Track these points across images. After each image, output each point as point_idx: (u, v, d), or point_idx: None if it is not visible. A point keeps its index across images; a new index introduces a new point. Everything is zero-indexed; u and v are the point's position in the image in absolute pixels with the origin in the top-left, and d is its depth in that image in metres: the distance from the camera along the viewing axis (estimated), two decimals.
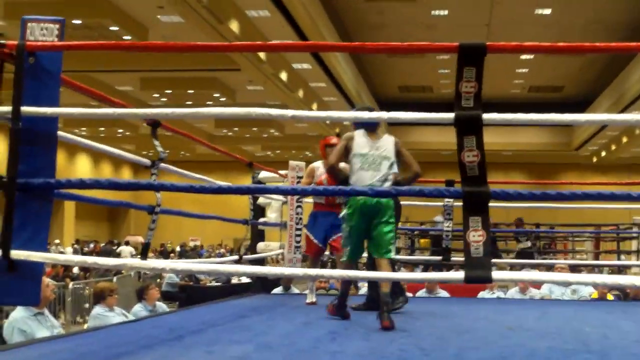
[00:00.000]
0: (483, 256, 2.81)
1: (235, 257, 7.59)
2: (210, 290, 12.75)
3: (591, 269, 11.72)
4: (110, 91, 22.50)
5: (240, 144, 33.35)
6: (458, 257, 7.57)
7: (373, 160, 4.82)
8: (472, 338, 4.28)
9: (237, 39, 16.52)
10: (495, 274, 2.86)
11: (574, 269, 10.40)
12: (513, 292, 8.74)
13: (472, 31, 19.40)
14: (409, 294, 6.60)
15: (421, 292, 8.46)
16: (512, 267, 10.97)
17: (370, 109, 5.05)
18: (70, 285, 12.55)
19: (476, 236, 2.82)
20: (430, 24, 19.63)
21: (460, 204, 2.92)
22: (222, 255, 24.91)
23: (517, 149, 31.62)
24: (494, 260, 4.24)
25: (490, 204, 2.90)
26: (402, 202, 6.12)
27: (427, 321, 5.27)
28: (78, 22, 16.37)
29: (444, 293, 8.44)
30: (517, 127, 28.84)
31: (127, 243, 27.01)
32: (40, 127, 3.16)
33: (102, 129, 29.97)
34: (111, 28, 17.22)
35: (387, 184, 4.80)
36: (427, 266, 11.65)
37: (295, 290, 8.43)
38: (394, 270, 5.17)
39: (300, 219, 7.20)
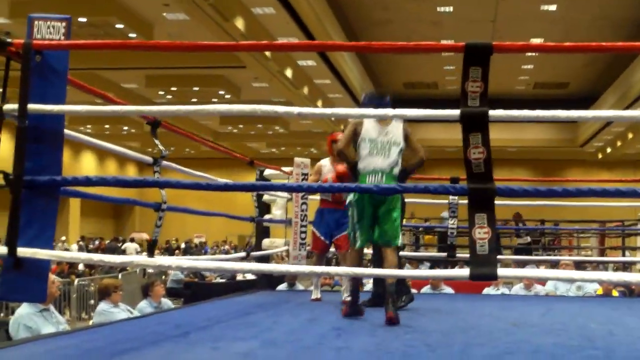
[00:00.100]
0: (488, 253, 2.81)
1: (241, 254, 7.62)
2: (215, 287, 12.79)
3: (596, 265, 11.73)
4: (116, 88, 22.55)
5: (245, 140, 33.35)
6: (464, 254, 7.57)
7: (382, 146, 4.78)
8: (477, 334, 4.28)
9: (242, 37, 16.52)
10: (501, 272, 2.86)
11: (579, 265, 10.40)
12: (518, 289, 8.74)
13: (478, 27, 19.36)
14: (414, 290, 6.61)
15: (426, 289, 8.47)
16: (516, 263, 10.99)
17: (384, 95, 5.01)
18: (76, 281, 12.58)
19: (482, 233, 2.82)
20: (435, 20, 19.58)
21: (466, 200, 2.93)
22: (227, 252, 24.97)
23: (522, 145, 31.55)
24: (499, 257, 4.24)
25: (497, 202, 2.90)
26: (407, 199, 6.11)
27: (432, 317, 5.27)
28: (83, 20, 16.37)
29: (448, 289, 8.45)
30: (522, 123, 28.71)
31: (132, 240, 27.08)
32: (46, 125, 3.18)
33: (107, 126, 30.01)
34: (117, 26, 17.22)
35: (396, 170, 4.79)
36: (435, 263, 11.66)
37: (300, 286, 8.45)
38: (400, 262, 5.17)
39: (305, 215, 7.21)
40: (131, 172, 37.32)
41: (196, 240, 31.63)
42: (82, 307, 12.51)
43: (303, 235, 7.29)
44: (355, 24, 20.29)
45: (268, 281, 7.96)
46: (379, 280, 4.92)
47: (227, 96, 24.16)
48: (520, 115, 3.01)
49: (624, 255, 12.38)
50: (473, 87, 2.86)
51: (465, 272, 2.85)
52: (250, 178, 8.26)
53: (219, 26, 16.36)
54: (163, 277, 13.84)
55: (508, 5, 18.34)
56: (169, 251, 26.39)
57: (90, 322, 8.87)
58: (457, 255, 7.62)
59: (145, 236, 30.16)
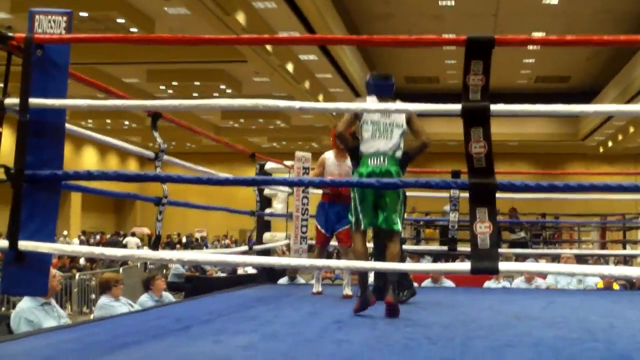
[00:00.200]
0: (489, 247, 2.81)
1: (242, 248, 7.62)
2: (216, 281, 12.78)
3: (597, 259, 11.73)
4: (117, 83, 22.53)
5: (247, 135, 33.34)
6: (465, 248, 7.57)
7: (385, 129, 4.72)
8: (478, 327, 4.29)
9: (243, 31, 16.50)
10: (502, 265, 2.86)
11: (580, 258, 10.41)
12: (518, 282, 8.75)
13: (479, 21, 19.32)
14: (415, 284, 6.62)
15: (427, 282, 8.48)
16: (516, 257, 11.00)
17: (388, 76, 4.96)
18: (77, 276, 12.59)
19: (483, 227, 2.82)
20: (437, 14, 19.54)
21: (467, 194, 2.93)
22: (227, 247, 24.97)
23: (523, 139, 31.52)
24: (500, 251, 4.25)
25: (498, 195, 2.90)
26: (408, 193, 6.10)
27: (433, 310, 5.28)
28: (85, 14, 16.37)
29: (449, 283, 8.46)
30: (523, 117, 28.72)
31: (133, 234, 27.09)
32: (47, 119, 3.18)
33: (109, 121, 29.99)
34: (118, 20, 17.22)
35: (399, 153, 4.74)
36: (436, 257, 11.68)
37: (301, 280, 8.46)
38: (402, 254, 5.15)
39: (307, 209, 7.22)
40: (132, 167, 37.32)
41: (197, 235, 31.64)
42: (84, 302, 12.53)
43: (304, 229, 7.29)
44: (357, 17, 20.26)
45: (269, 275, 7.97)
46: (380, 274, 4.91)
47: (228, 91, 24.16)
48: (523, 110, 3.01)
49: (624, 248, 12.39)
50: (474, 80, 2.86)
51: (466, 266, 2.85)
52: (252, 173, 8.26)
53: (220, 20, 16.35)
54: (164, 271, 13.86)
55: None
56: (170, 246, 26.40)
57: (92, 317, 8.89)
58: (458, 248, 7.62)
59: (146, 231, 30.19)
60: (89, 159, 33.14)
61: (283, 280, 8.15)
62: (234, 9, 16.24)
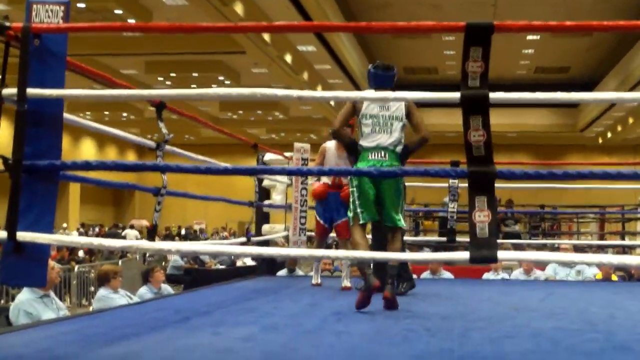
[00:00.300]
0: (488, 236, 2.80)
1: (241, 239, 7.62)
2: (215, 273, 12.78)
3: (596, 250, 11.74)
4: (115, 75, 22.41)
5: (245, 127, 33.30)
6: (464, 239, 7.57)
7: (385, 122, 4.67)
8: (477, 318, 4.28)
9: (241, 21, 16.46)
10: (501, 254, 2.85)
11: (578, 250, 10.42)
12: (517, 274, 8.76)
13: (478, 11, 19.25)
14: (413, 276, 6.62)
15: (425, 274, 8.48)
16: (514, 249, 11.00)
17: (390, 67, 4.91)
18: (76, 268, 12.59)
19: (482, 216, 2.81)
20: (435, 3, 19.48)
21: (467, 184, 2.91)
22: (225, 239, 24.97)
23: (522, 130, 31.51)
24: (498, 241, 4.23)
25: (497, 185, 2.89)
26: (407, 183, 6.08)
27: (431, 302, 5.28)
28: (82, 5, 16.31)
29: (448, 274, 8.47)
30: (522, 108, 28.74)
31: (132, 227, 27.08)
32: (45, 109, 3.17)
33: (107, 113, 29.94)
34: (115, 11, 17.16)
35: (399, 148, 4.68)
36: (435, 248, 11.67)
37: (300, 272, 8.46)
38: (403, 247, 5.13)
39: (305, 201, 7.22)
40: (131, 158, 37.24)
41: (196, 227, 31.66)
42: (83, 294, 12.53)
43: (303, 221, 7.29)
44: (355, 7, 20.20)
45: (268, 267, 7.97)
46: (378, 267, 4.88)
47: (227, 82, 24.11)
48: (522, 98, 2.99)
49: (623, 240, 12.40)
50: (474, 67, 2.84)
51: (465, 254, 2.84)
52: (252, 164, 8.25)
53: (218, 11, 16.31)
54: (163, 263, 13.86)
55: None
56: (170, 238, 26.39)
57: (91, 309, 8.89)
58: (458, 240, 7.62)
59: (145, 223, 30.16)
60: (87, 151, 33.10)
61: (282, 272, 8.14)
62: (232, 0, 16.21)
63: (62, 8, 3.21)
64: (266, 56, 20.54)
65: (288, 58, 21.03)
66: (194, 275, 13.10)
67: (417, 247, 11.07)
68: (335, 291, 5.97)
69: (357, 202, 4.73)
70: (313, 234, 6.67)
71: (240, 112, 30.47)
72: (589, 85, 25.64)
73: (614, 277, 8.52)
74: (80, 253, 16.61)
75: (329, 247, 7.62)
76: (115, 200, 38.20)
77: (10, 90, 3.11)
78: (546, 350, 3.18)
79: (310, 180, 7.10)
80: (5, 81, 3.18)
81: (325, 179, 6.30)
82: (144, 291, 7.47)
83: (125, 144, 35.48)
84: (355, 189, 4.73)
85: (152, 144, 4.95)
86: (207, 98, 3.17)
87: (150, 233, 4.91)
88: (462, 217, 7.61)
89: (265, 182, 8.13)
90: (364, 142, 4.71)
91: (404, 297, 5.25)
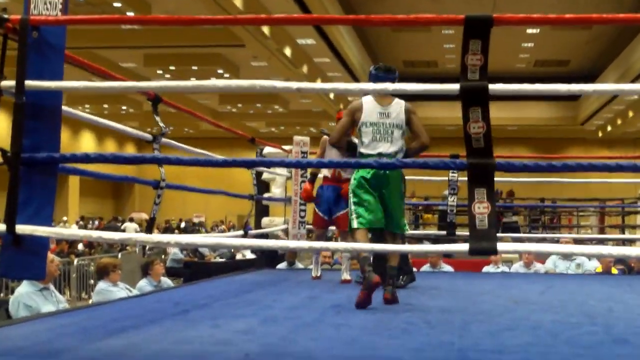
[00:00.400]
0: (488, 228, 2.79)
1: (239, 232, 7.62)
2: (215, 266, 12.76)
3: (596, 243, 11.74)
4: (114, 68, 22.44)
5: (244, 120, 33.28)
6: (464, 232, 7.57)
7: (385, 130, 4.64)
8: (477, 312, 4.28)
9: (240, 14, 16.43)
10: (500, 246, 2.84)
11: (578, 243, 10.41)
12: (517, 267, 8.75)
13: (478, 5, 19.20)
14: (414, 269, 6.62)
15: (425, 267, 8.48)
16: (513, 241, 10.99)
17: (391, 70, 4.87)
18: (75, 261, 12.60)
19: (481, 208, 2.80)
20: None
21: (466, 177, 2.90)
22: (223, 233, 24.99)
23: (522, 124, 31.53)
24: (499, 235, 4.22)
25: (497, 178, 2.88)
26: (407, 177, 6.08)
27: (431, 295, 5.28)
28: None
29: (448, 268, 8.46)
30: (522, 101, 28.76)
31: (131, 220, 27.08)
32: (44, 102, 3.15)
33: (106, 106, 29.93)
34: (114, 4, 17.15)
35: (400, 156, 4.63)
36: (435, 241, 11.67)
37: (299, 265, 8.45)
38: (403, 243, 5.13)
39: None
40: (130, 152, 37.23)
41: (195, 220, 31.67)
42: (82, 287, 12.53)
43: (302, 214, 7.29)
44: (354, 0, 20.19)
45: (267, 260, 7.97)
46: (378, 264, 4.85)
47: (226, 75, 24.07)
48: (521, 90, 2.98)
49: (623, 233, 12.40)
50: (473, 60, 2.83)
51: (464, 246, 2.84)
52: (251, 157, 8.22)
53: (217, 4, 16.28)
54: (162, 256, 13.86)
55: None
56: (170, 231, 26.41)
57: (90, 302, 8.89)
58: (457, 233, 7.62)
59: (144, 216, 30.14)
60: (87, 144, 33.08)
61: (282, 265, 8.14)
62: None
63: (61, 0, 3.20)
64: (265, 49, 20.51)
65: (287, 51, 21.01)
66: (194, 268, 13.09)
67: (416, 241, 11.06)
68: (335, 284, 5.97)
69: (357, 207, 4.65)
70: (312, 226, 6.67)
71: (240, 105, 30.45)
72: (589, 78, 25.62)
73: (614, 270, 8.50)
74: (80, 246, 16.61)
75: (329, 240, 7.62)
76: (115, 193, 38.22)
77: (9, 83, 3.10)
78: (545, 343, 3.19)
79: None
80: (4, 73, 3.16)
81: (325, 172, 6.30)
82: (144, 284, 7.47)
83: (124, 137, 35.48)
84: (353, 196, 4.67)
85: (148, 136, 4.94)
86: (206, 90, 3.16)
87: (148, 225, 4.91)
88: (462, 210, 7.60)
89: (265, 175, 8.13)
90: (364, 150, 4.66)
91: (404, 290, 5.26)
